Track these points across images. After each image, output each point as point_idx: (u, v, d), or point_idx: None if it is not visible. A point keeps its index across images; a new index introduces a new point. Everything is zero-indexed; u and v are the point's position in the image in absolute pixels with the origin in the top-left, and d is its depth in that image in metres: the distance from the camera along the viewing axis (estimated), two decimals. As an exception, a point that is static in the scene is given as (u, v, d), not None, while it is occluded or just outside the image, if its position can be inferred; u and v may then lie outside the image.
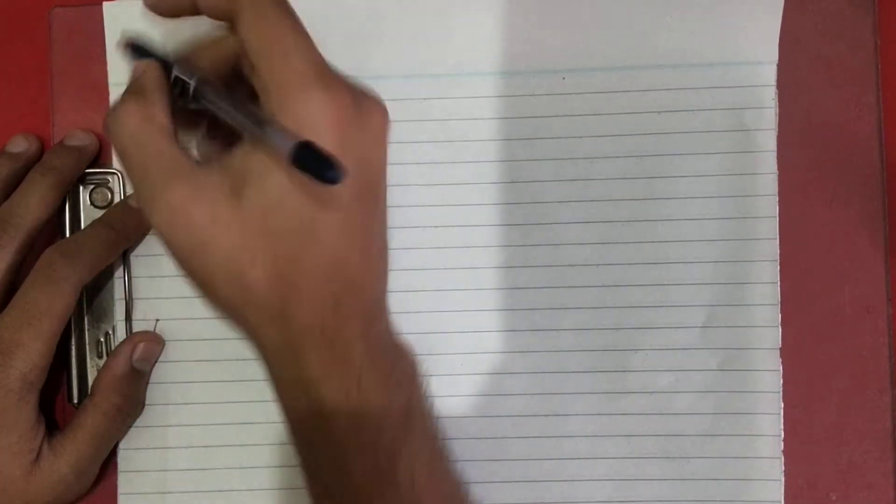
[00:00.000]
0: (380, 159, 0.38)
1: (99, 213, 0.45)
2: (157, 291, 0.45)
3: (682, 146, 0.45)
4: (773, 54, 0.45)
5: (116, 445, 0.45)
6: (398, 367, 0.39)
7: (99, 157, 0.46)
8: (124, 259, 0.45)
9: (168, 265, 0.45)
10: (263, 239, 0.36)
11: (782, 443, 0.44)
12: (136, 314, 0.45)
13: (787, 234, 0.45)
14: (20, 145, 0.45)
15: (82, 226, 0.45)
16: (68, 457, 0.42)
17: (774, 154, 0.45)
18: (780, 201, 0.45)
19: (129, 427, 0.45)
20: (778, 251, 0.45)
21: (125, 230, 0.44)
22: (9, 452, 0.41)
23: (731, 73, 0.45)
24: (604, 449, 0.45)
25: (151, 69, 0.39)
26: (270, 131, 0.35)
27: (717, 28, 0.45)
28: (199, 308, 0.45)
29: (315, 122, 0.35)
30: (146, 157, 0.37)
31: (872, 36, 0.45)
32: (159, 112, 0.38)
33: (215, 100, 0.37)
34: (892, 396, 0.45)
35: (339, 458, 0.37)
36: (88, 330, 0.45)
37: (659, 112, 0.45)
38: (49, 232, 0.45)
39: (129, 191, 0.45)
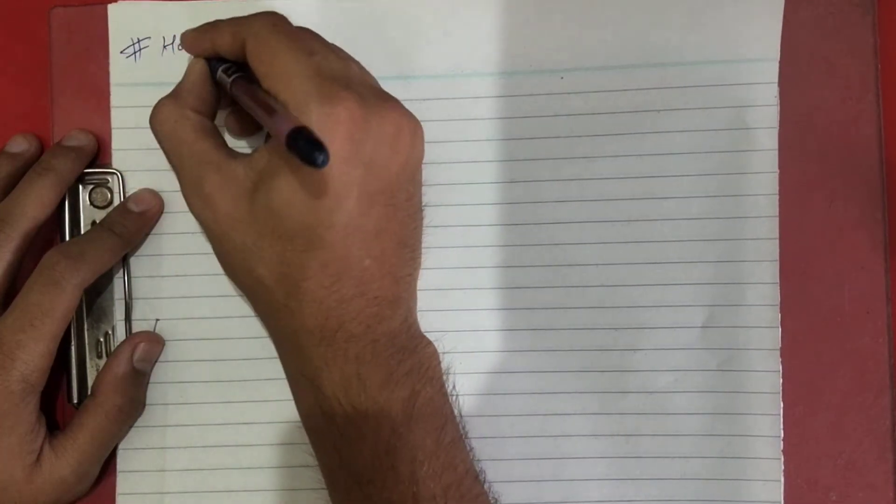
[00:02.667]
0: (396, 164, 0.39)
1: (98, 213, 0.45)
2: (157, 291, 0.46)
3: (682, 145, 0.45)
4: (775, 51, 0.45)
5: (116, 445, 0.45)
6: (406, 362, 0.40)
7: (98, 157, 0.46)
8: (124, 259, 0.45)
9: (168, 265, 0.45)
10: (271, 239, 0.39)
11: (782, 443, 0.44)
12: (136, 314, 0.45)
13: (787, 233, 0.45)
14: (20, 145, 0.46)
15: (82, 226, 0.45)
16: (69, 457, 0.42)
17: (776, 153, 0.45)
18: (779, 201, 0.45)
19: (130, 427, 0.45)
20: (778, 251, 0.45)
21: (126, 234, 0.44)
22: (9, 454, 0.41)
23: (731, 70, 0.45)
24: (603, 448, 0.45)
25: (194, 69, 0.42)
26: (277, 118, 0.36)
27: (716, 25, 0.45)
28: (198, 308, 0.45)
29: (320, 133, 0.36)
30: (182, 152, 0.41)
31: (872, 36, 0.45)
32: (193, 111, 0.41)
33: (242, 96, 0.40)
34: (892, 396, 0.45)
35: (340, 447, 0.40)
36: (88, 330, 0.45)
37: (658, 111, 0.45)
38: (48, 232, 0.45)
39: (129, 191, 0.45)
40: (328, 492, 0.42)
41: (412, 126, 0.40)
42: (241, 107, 0.41)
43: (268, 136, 0.44)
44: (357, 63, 0.42)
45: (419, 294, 0.44)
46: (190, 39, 0.43)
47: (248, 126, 0.45)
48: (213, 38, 0.42)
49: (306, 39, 0.40)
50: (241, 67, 0.41)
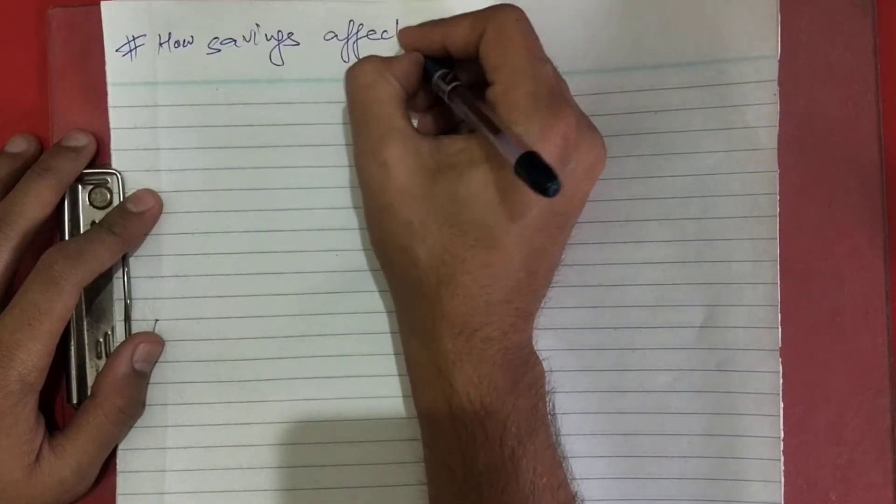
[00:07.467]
0: (582, 193, 0.40)
1: (98, 214, 0.45)
2: (157, 291, 0.45)
3: (681, 145, 0.45)
4: (774, 49, 0.45)
5: (116, 446, 0.45)
6: (528, 374, 0.40)
7: (98, 158, 0.46)
8: (123, 259, 0.45)
9: (168, 265, 0.45)
10: (442, 225, 0.39)
11: (782, 443, 0.44)
12: (136, 314, 0.45)
13: (787, 233, 0.45)
14: (20, 145, 0.46)
15: (81, 226, 0.45)
16: (69, 458, 0.42)
17: (775, 152, 0.45)
18: (779, 200, 0.45)
19: (130, 428, 0.45)
20: (778, 251, 0.45)
21: (125, 234, 0.44)
22: (8, 454, 0.41)
23: (730, 69, 0.45)
24: (602, 447, 0.45)
25: (411, 55, 0.42)
26: (503, 137, 0.36)
27: (715, 24, 0.45)
28: (198, 308, 0.45)
29: (533, 145, 0.36)
30: (372, 112, 0.41)
31: (872, 36, 0.45)
32: (394, 78, 0.41)
33: (461, 106, 0.40)
34: (891, 396, 0.45)
35: (465, 445, 0.39)
36: (87, 330, 0.45)
37: (656, 111, 0.45)
38: (48, 232, 0.45)
39: (128, 192, 0.45)
40: (431, 488, 0.42)
41: (604, 162, 0.41)
42: (438, 112, 0.43)
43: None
44: None
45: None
46: (412, 33, 0.43)
47: (443, 131, 0.44)
48: (445, 31, 0.42)
49: (540, 45, 0.40)
50: (457, 77, 0.42)
